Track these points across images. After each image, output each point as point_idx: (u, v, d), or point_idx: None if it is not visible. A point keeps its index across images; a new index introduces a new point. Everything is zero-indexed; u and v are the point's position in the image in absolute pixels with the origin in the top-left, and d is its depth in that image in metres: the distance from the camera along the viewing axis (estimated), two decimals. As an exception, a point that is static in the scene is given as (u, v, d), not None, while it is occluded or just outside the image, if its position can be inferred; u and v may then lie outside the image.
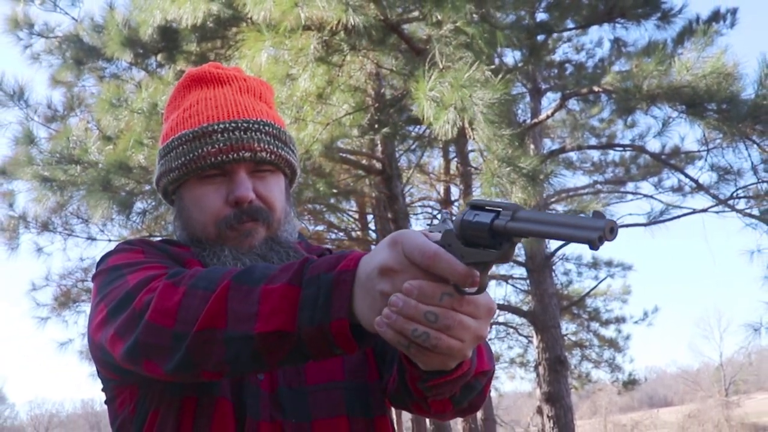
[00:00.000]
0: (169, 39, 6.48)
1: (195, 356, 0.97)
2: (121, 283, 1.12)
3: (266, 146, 1.29)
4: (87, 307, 9.02)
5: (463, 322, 0.86)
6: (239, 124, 1.29)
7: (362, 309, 0.88)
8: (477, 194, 8.42)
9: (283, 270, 0.95)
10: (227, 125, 1.28)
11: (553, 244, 9.53)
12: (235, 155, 1.27)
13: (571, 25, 7.13)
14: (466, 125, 5.04)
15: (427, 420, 12.73)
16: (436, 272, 0.84)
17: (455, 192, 12.37)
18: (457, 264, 0.83)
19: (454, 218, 0.91)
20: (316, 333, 0.90)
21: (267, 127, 1.31)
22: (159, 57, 6.86)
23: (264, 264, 1.00)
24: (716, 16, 7.27)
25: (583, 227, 0.77)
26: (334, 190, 8.90)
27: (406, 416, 15.74)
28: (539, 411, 9.37)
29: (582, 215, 0.81)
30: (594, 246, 0.76)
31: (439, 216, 0.92)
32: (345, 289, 0.88)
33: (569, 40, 10.26)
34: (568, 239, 0.79)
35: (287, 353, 0.93)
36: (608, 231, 0.76)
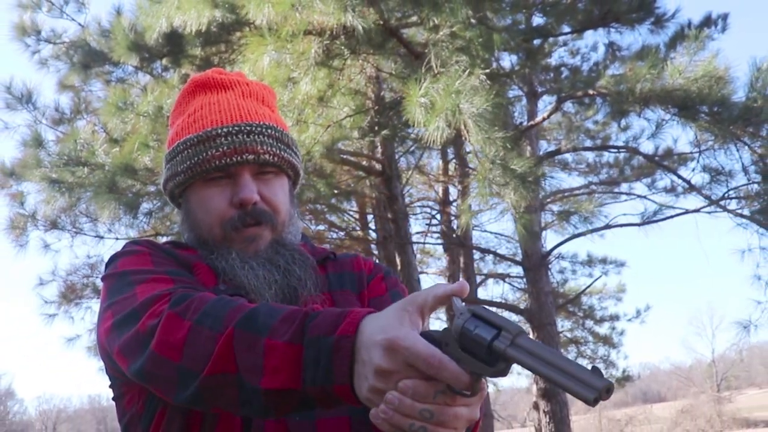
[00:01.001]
0: (174, 44, 6.48)
1: (208, 395, 0.98)
2: (129, 294, 1.12)
3: (269, 149, 1.29)
4: (93, 303, 9.03)
5: (456, 413, 0.87)
6: (242, 128, 1.29)
7: (359, 388, 0.89)
8: (473, 195, 8.41)
9: (285, 320, 0.94)
10: (231, 129, 1.28)
11: (549, 243, 9.55)
12: (238, 158, 1.27)
13: (566, 29, 7.12)
14: (462, 128, 5.04)
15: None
16: (439, 379, 0.85)
17: (453, 192, 12.38)
18: (459, 373, 0.84)
19: (459, 310, 0.90)
20: (320, 393, 0.91)
21: (270, 130, 1.31)
22: (164, 61, 6.86)
23: (267, 306, 0.99)
24: (708, 21, 7.26)
25: (582, 382, 0.78)
26: (335, 191, 8.90)
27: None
28: (536, 406, 9.37)
29: (582, 366, 0.81)
30: (588, 404, 0.77)
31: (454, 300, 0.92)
32: (345, 356, 0.89)
33: (565, 44, 10.25)
34: (564, 388, 0.79)
35: (295, 406, 0.95)
36: (604, 392, 0.77)
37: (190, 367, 0.97)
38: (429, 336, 0.89)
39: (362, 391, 0.89)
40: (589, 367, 0.79)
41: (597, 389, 0.76)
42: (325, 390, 0.90)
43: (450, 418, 0.87)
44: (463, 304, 0.91)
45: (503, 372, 0.84)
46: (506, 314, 13.34)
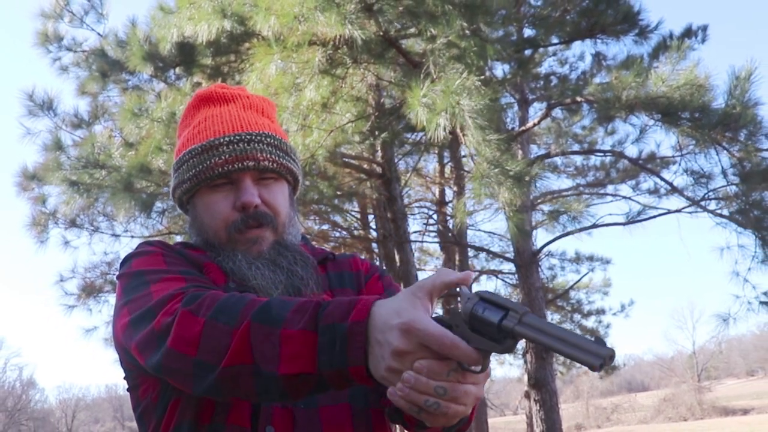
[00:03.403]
0: (186, 53, 6.48)
1: (225, 386, 0.99)
2: (145, 292, 1.13)
3: (268, 156, 1.31)
4: (110, 297, 9.02)
5: (467, 390, 0.92)
6: (243, 137, 1.30)
7: (375, 369, 0.91)
8: (468, 195, 8.43)
9: (297, 311, 0.96)
10: (232, 138, 1.30)
11: (539, 242, 9.53)
12: (240, 165, 1.28)
13: (555, 40, 7.12)
14: (458, 131, 5.04)
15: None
16: (450, 358, 0.88)
17: (449, 194, 12.38)
18: (470, 351, 0.88)
19: (466, 295, 0.93)
20: (336, 375, 0.93)
21: (269, 139, 1.32)
22: (177, 70, 6.87)
23: (279, 300, 1.00)
24: (689, 33, 7.26)
25: (587, 351, 0.81)
26: (338, 192, 8.90)
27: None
28: (527, 395, 9.37)
29: (585, 337, 0.83)
30: (593, 369, 0.80)
31: (458, 289, 0.95)
32: (359, 340, 0.91)
33: (554, 54, 10.26)
34: (570, 358, 0.82)
35: (311, 389, 0.96)
36: (608, 358, 0.80)
37: (206, 360, 0.98)
38: (439, 320, 0.92)
39: (379, 372, 0.91)
40: (593, 339, 0.82)
41: (602, 356, 0.79)
42: (341, 372, 0.92)
43: (461, 394, 0.90)
44: (470, 290, 0.94)
45: (510, 348, 0.88)
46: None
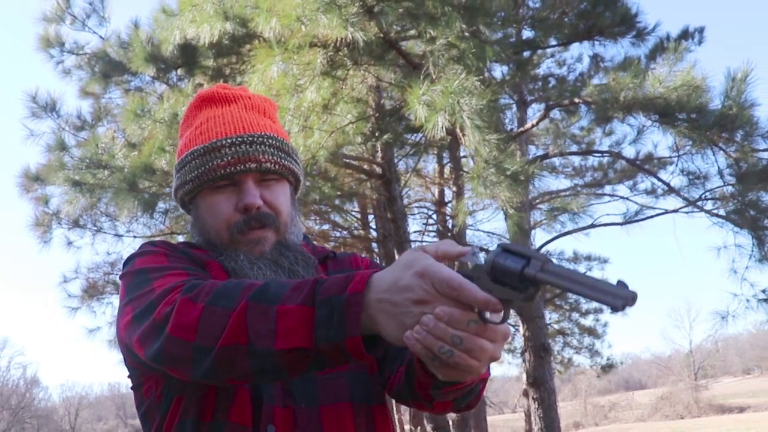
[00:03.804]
0: (188, 55, 6.48)
1: (221, 368, 0.98)
2: (148, 289, 1.12)
3: (270, 157, 1.30)
4: (113, 298, 9.03)
5: (483, 346, 0.89)
6: (245, 138, 1.30)
7: (388, 326, 0.90)
8: (468, 195, 8.43)
9: (295, 289, 0.95)
10: (234, 140, 1.29)
11: (537, 241, 9.54)
12: (242, 166, 1.28)
13: (554, 42, 7.11)
14: (457, 131, 5.04)
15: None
16: (461, 300, 0.86)
17: (448, 194, 12.38)
18: (478, 292, 0.86)
19: (483, 255, 0.94)
20: (332, 349, 0.92)
21: (271, 140, 1.32)
22: (179, 71, 6.86)
23: (277, 281, 1.00)
24: (685, 35, 7.26)
25: (610, 293, 0.80)
26: (339, 193, 8.90)
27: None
28: (525, 393, 9.37)
29: (607, 281, 0.83)
30: (616, 310, 0.79)
31: (469, 249, 0.94)
32: (356, 310, 0.90)
33: (552, 55, 10.25)
34: (595, 300, 0.82)
35: (307, 366, 0.95)
36: (630, 300, 0.79)
37: (204, 344, 0.98)
38: (461, 273, 0.92)
39: (397, 333, 0.89)
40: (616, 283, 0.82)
41: (624, 297, 0.79)
42: (337, 346, 0.91)
43: (476, 347, 0.89)
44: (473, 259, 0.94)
45: (532, 297, 0.87)
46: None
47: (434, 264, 0.88)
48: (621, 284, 0.80)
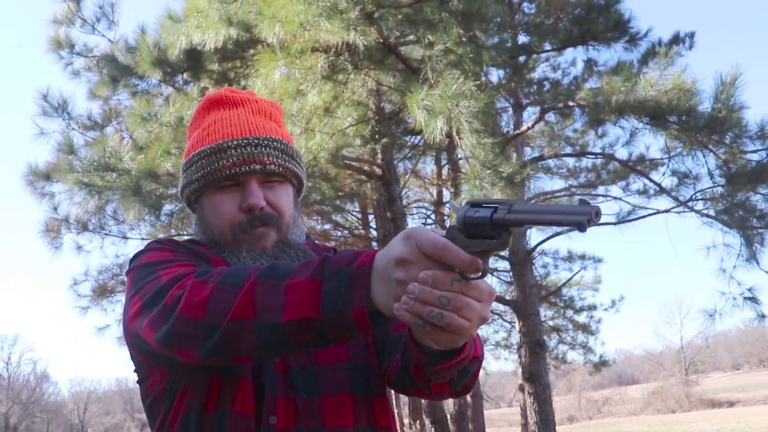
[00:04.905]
0: (194, 60, 6.48)
1: (228, 343, 0.99)
2: (155, 278, 1.13)
3: (275, 160, 1.31)
4: (122, 297, 9.02)
5: (470, 304, 0.89)
6: (251, 141, 1.30)
7: (380, 296, 0.91)
8: (465, 197, 8.43)
9: (304, 266, 0.97)
10: (240, 142, 1.30)
11: (533, 241, 9.54)
12: (247, 168, 1.28)
13: (548, 47, 7.12)
14: (454, 134, 5.04)
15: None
16: (445, 262, 0.87)
17: (446, 195, 12.37)
18: (462, 254, 0.86)
19: (456, 209, 0.93)
20: (338, 319, 0.92)
21: (275, 143, 1.32)
22: (185, 75, 6.86)
23: (285, 261, 1.02)
24: (676, 39, 7.26)
25: (572, 213, 0.80)
26: (339, 193, 8.91)
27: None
28: (521, 388, 9.37)
29: (571, 205, 0.83)
30: (582, 228, 0.79)
31: (434, 216, 0.94)
32: (364, 282, 0.91)
33: (547, 60, 10.24)
34: (560, 224, 0.81)
35: (311, 339, 0.95)
36: (594, 215, 0.79)
37: (213, 321, 0.98)
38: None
39: (381, 297, 0.90)
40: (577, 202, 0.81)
41: (587, 213, 0.79)
42: (343, 316, 0.91)
43: (464, 305, 0.88)
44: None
45: (506, 243, 0.87)
46: (494, 305, 13.39)
47: (421, 228, 0.90)
48: (583, 202, 0.80)
